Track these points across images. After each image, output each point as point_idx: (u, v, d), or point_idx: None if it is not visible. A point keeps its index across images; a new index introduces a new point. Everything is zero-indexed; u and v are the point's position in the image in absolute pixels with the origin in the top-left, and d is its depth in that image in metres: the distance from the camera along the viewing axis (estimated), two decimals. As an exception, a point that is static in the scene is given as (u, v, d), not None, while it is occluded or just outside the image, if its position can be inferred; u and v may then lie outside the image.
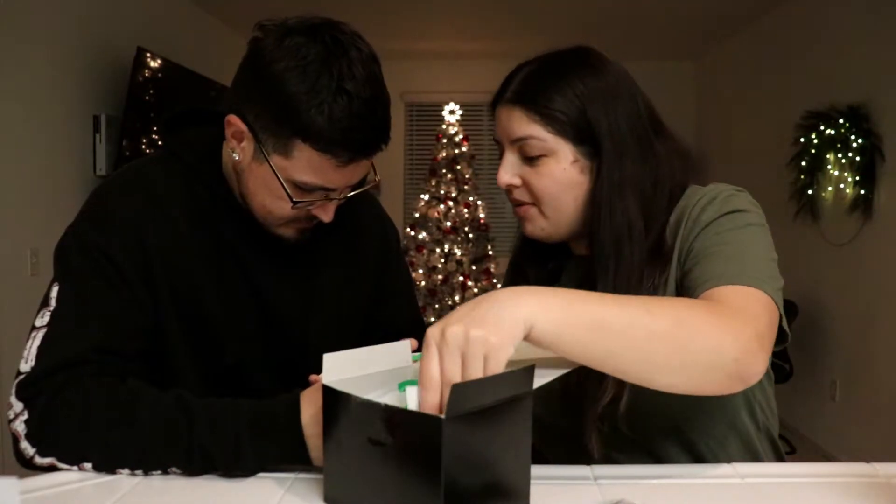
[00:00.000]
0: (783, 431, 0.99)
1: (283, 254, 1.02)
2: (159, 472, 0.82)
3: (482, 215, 5.08)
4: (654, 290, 0.92)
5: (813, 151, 3.57)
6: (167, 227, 0.95)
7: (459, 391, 0.64)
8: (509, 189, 0.97)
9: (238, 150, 0.92)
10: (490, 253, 5.06)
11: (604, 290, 0.90)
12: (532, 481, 0.75)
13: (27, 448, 0.82)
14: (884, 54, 3.16)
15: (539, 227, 0.98)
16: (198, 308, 0.96)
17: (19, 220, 2.71)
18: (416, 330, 1.07)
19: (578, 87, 0.92)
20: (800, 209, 3.67)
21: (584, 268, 0.98)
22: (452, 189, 5.03)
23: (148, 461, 0.81)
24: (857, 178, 3.26)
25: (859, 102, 3.28)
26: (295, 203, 0.90)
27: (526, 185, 0.95)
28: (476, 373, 0.65)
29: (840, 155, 3.36)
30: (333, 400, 0.73)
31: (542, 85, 0.93)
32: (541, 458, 1.01)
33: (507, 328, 0.66)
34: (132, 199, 0.95)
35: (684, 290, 0.88)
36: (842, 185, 3.39)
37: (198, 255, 0.96)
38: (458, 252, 4.96)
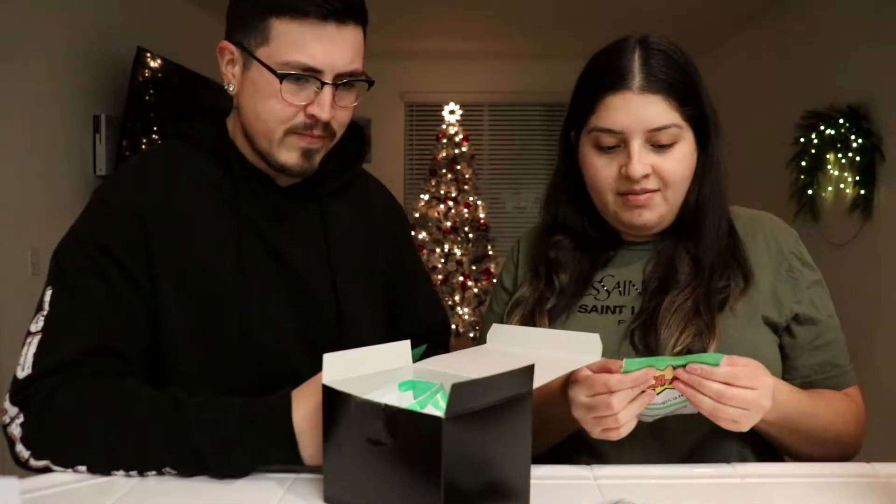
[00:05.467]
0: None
1: (302, 222, 1.03)
2: (154, 472, 0.82)
3: (482, 215, 5.07)
4: (727, 294, 0.96)
5: (813, 151, 3.57)
6: (169, 206, 0.95)
7: (459, 391, 0.64)
8: (637, 180, 0.94)
9: (233, 79, 0.96)
10: (490, 253, 5.05)
11: (686, 286, 0.97)
12: (532, 481, 0.75)
13: (22, 451, 0.83)
14: (884, 54, 3.15)
15: (658, 213, 0.98)
16: (207, 284, 0.95)
17: (19, 220, 2.70)
18: (436, 311, 1.17)
19: (700, 76, 0.97)
20: (800, 209, 3.67)
21: (653, 252, 1.03)
22: (452, 189, 5.02)
23: (142, 462, 0.81)
24: (857, 178, 3.25)
25: (859, 102, 3.27)
26: (282, 80, 0.90)
27: (656, 172, 0.95)
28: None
29: (840, 155, 3.36)
30: (333, 400, 0.73)
31: (681, 71, 0.95)
32: (546, 455, 1.02)
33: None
34: (129, 186, 0.96)
35: (798, 348, 1.00)
36: (842, 185, 3.39)
37: (208, 230, 0.96)
38: (458, 252, 4.96)
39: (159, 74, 3.36)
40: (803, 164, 3.63)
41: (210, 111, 1.07)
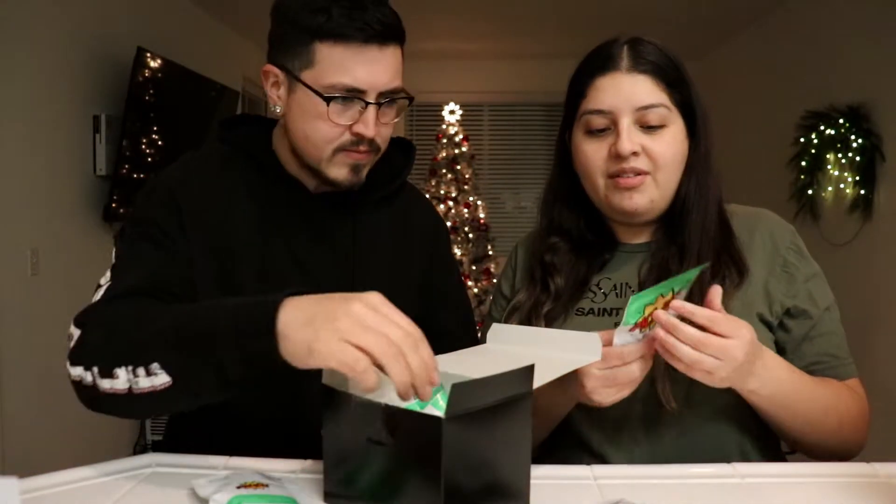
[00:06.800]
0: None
1: (331, 230, 1.06)
2: (143, 368, 0.79)
3: (482, 215, 5.07)
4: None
5: (813, 151, 3.57)
6: (205, 195, 1.02)
7: (459, 391, 0.64)
8: (626, 158, 0.96)
9: (279, 100, 1.01)
10: (490, 253, 5.05)
11: (676, 272, 0.96)
12: (532, 481, 0.75)
13: (67, 365, 0.86)
14: (884, 54, 3.15)
15: (649, 197, 0.98)
16: (229, 277, 1.00)
17: (19, 220, 2.70)
18: (467, 332, 1.14)
19: (688, 73, 1.00)
20: (800, 209, 3.67)
21: (647, 254, 1.03)
22: (452, 189, 5.03)
23: (136, 355, 0.80)
24: (857, 178, 3.26)
25: (859, 102, 3.27)
26: (328, 102, 0.94)
27: (646, 152, 0.96)
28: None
29: (840, 155, 3.36)
30: (333, 400, 0.73)
31: (668, 59, 0.98)
32: (550, 446, 1.02)
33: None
34: (173, 172, 1.05)
35: (796, 340, 0.99)
36: (842, 185, 3.39)
37: (239, 223, 1.02)
38: (458, 252, 4.96)
39: (159, 74, 3.36)
40: (803, 164, 3.63)
41: (258, 120, 1.13)
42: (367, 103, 0.96)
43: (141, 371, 0.79)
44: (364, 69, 0.94)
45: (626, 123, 0.95)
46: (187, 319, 0.80)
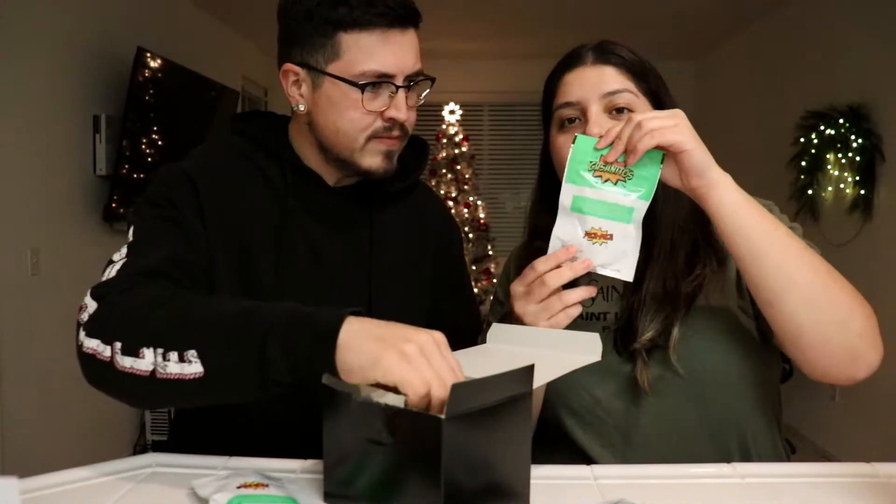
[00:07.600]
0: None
1: (349, 222, 1.06)
2: (176, 353, 0.77)
3: (482, 215, 5.08)
4: (702, 280, 0.96)
5: (813, 151, 3.57)
6: (223, 186, 1.00)
7: (459, 391, 0.64)
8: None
9: (301, 99, 1.01)
10: (490, 253, 5.05)
11: (652, 274, 0.97)
12: (532, 481, 0.75)
13: (80, 336, 0.83)
14: (884, 54, 3.16)
15: None
16: (247, 265, 0.99)
17: (19, 220, 2.70)
18: (474, 330, 1.14)
19: (657, 71, 1.02)
20: (800, 209, 3.67)
21: None
22: (452, 189, 5.03)
23: (170, 338, 0.77)
24: (857, 178, 3.26)
25: (859, 102, 3.28)
26: (363, 89, 0.95)
27: None
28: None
29: (840, 155, 3.37)
30: (333, 400, 0.73)
31: (634, 55, 1.00)
32: (547, 455, 1.02)
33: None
34: (190, 162, 1.03)
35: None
36: (842, 185, 3.39)
37: (256, 215, 1.01)
38: (458, 252, 4.96)
39: (159, 74, 3.36)
40: (803, 164, 3.64)
41: (270, 115, 1.14)
42: (398, 87, 0.98)
43: (173, 356, 0.76)
44: (391, 53, 0.97)
45: (594, 110, 0.97)
46: (238, 312, 0.77)
